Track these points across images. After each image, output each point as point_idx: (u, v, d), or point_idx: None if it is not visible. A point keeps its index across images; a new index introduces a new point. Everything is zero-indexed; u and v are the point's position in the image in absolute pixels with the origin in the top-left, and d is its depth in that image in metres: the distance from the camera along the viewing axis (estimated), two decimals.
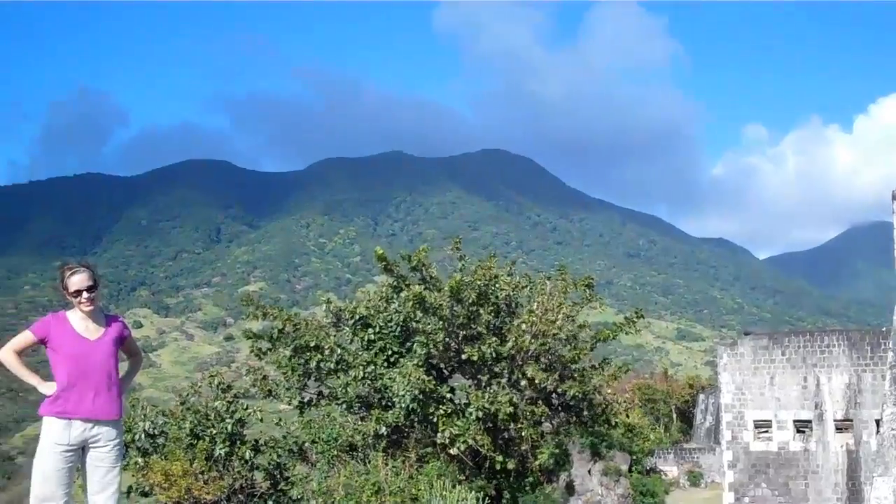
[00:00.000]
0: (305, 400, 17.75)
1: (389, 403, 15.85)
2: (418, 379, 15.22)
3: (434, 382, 15.90)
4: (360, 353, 16.72)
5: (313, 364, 16.84)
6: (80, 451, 6.56)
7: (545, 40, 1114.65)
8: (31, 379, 6.58)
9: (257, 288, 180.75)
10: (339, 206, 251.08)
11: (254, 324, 18.34)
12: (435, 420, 15.72)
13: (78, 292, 6.52)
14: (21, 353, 6.59)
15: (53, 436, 6.44)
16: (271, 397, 17.96)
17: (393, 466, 14.64)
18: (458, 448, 15.44)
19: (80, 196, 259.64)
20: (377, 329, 16.78)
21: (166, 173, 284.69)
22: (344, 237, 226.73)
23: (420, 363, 15.95)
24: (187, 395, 17.96)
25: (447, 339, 16.75)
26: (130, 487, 16.37)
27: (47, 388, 6.50)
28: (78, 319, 6.61)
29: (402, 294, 17.18)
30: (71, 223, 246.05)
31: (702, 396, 79.52)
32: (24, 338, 6.58)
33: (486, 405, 15.45)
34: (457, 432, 15.38)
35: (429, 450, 16.21)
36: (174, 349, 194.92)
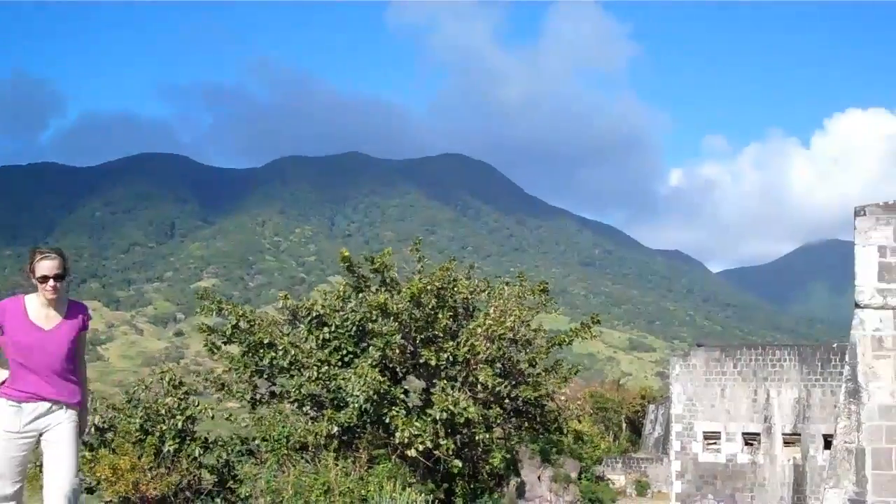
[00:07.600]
0: (257, 398, 17.57)
1: (342, 403, 15.69)
2: (373, 379, 15.10)
3: (388, 384, 15.79)
4: (314, 351, 16.55)
5: (266, 361, 16.64)
6: (37, 439, 6.41)
7: (503, 41, 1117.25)
8: None
9: (210, 284, 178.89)
10: (295, 204, 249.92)
11: (208, 319, 18.07)
12: (389, 421, 15.61)
13: (45, 278, 6.29)
14: None
15: (3, 422, 6.30)
16: (223, 393, 17.74)
17: (343, 467, 14.49)
18: (417, 449, 15.29)
19: (33, 185, 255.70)
20: (333, 328, 16.62)
21: (122, 165, 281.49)
22: (300, 236, 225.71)
23: (375, 364, 15.84)
24: (135, 390, 17.69)
25: (404, 342, 16.65)
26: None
27: None
28: (37, 306, 6.41)
29: (361, 295, 17.09)
30: (24, 212, 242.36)
31: (652, 407, 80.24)
32: None
33: (451, 406, 15.31)
34: (415, 433, 15.24)
35: (381, 451, 16.07)
36: (123, 343, 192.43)
